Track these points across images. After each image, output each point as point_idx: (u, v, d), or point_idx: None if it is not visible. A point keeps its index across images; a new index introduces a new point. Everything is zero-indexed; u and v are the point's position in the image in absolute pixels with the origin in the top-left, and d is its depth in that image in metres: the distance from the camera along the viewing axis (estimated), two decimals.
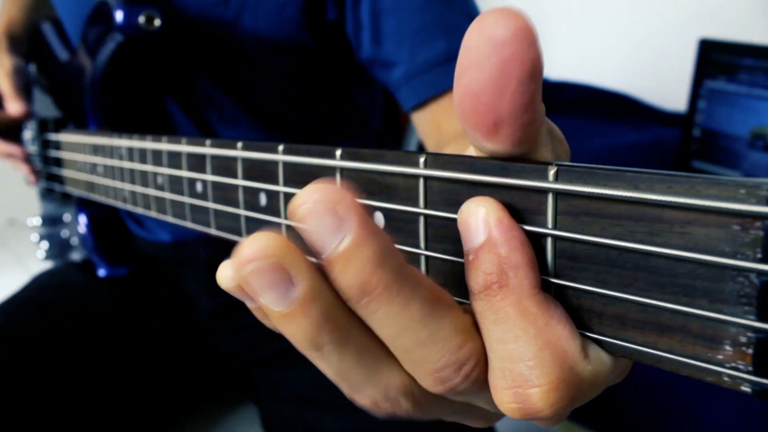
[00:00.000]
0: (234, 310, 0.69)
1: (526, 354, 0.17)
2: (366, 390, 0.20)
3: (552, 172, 0.17)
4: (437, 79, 0.53)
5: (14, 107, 0.70)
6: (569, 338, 0.17)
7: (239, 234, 0.34)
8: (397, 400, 0.20)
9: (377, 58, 0.57)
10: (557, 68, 1.44)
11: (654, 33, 1.39)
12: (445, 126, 0.53)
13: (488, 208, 0.18)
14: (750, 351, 0.14)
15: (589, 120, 1.26)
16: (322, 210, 0.16)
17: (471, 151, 0.22)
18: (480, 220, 0.18)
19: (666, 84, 1.25)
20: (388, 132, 0.81)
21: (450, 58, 0.53)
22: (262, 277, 0.17)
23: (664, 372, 0.17)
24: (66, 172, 0.64)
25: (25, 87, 0.72)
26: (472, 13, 0.56)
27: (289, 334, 0.18)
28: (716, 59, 1.05)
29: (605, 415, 0.87)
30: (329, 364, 0.19)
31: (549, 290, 0.18)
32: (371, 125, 0.74)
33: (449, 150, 0.45)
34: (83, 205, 0.68)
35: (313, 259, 0.17)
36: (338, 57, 0.62)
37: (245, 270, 0.17)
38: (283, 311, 0.17)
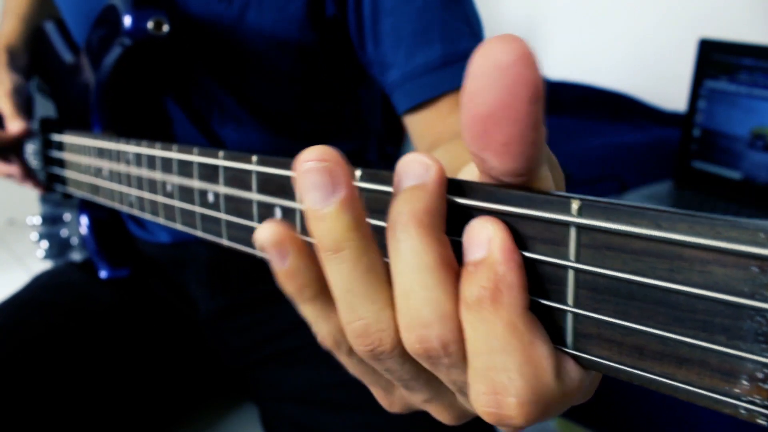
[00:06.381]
0: (235, 311, 0.69)
1: (510, 366, 0.19)
2: (363, 310, 0.22)
3: (576, 206, 0.18)
4: (432, 82, 0.53)
5: (14, 126, 0.68)
6: (548, 358, 0.19)
7: (251, 246, 0.34)
8: (380, 337, 0.22)
9: (376, 58, 0.57)
10: (557, 68, 1.44)
11: (654, 33, 1.40)
12: (438, 129, 0.53)
13: (495, 228, 0.19)
14: (766, 386, 0.15)
15: (589, 120, 1.26)
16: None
17: (471, 169, 0.24)
18: (484, 236, 0.19)
19: (666, 84, 1.25)
20: (388, 133, 0.81)
21: (446, 62, 0.53)
22: (314, 175, 0.21)
23: None
24: (68, 174, 0.64)
25: (25, 104, 0.70)
26: (471, 19, 0.56)
27: (318, 232, 0.21)
28: (716, 59, 1.05)
29: (604, 415, 0.88)
30: (339, 270, 0.21)
31: (565, 318, 0.19)
32: (372, 126, 0.74)
33: (440, 153, 0.45)
34: (85, 206, 0.67)
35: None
36: (340, 55, 0.62)
37: (302, 168, 0.21)
38: (322, 211, 0.21)
